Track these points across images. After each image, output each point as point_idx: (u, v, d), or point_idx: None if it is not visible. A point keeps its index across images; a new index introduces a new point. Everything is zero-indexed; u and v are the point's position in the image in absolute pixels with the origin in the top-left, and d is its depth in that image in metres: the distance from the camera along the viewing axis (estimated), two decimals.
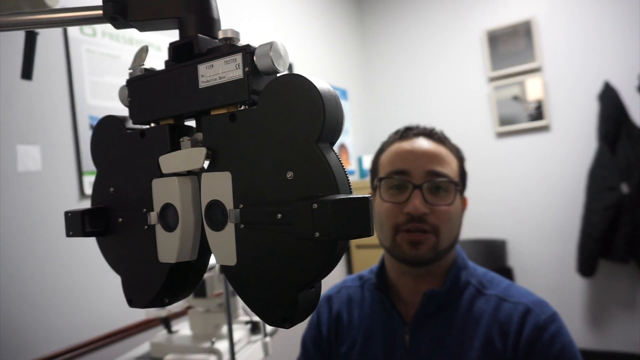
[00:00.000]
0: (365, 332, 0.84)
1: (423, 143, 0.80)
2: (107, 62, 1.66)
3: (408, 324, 0.80)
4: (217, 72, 0.33)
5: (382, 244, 0.83)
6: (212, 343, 1.18)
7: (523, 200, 3.06)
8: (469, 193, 0.87)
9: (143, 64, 0.39)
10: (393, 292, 0.84)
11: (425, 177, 0.77)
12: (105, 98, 1.64)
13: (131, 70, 0.39)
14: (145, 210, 0.37)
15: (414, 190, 0.76)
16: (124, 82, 0.39)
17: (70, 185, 1.53)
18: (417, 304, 0.80)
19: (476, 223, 3.07)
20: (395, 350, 0.79)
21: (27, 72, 0.80)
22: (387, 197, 0.79)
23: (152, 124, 0.38)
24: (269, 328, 1.34)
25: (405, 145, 0.81)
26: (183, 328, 1.37)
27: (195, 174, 0.36)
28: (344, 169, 0.30)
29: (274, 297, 0.31)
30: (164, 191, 0.36)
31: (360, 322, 0.85)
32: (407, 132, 0.84)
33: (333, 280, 0.83)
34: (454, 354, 0.75)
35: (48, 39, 1.49)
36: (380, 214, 0.80)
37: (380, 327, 0.82)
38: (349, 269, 3.03)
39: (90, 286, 1.53)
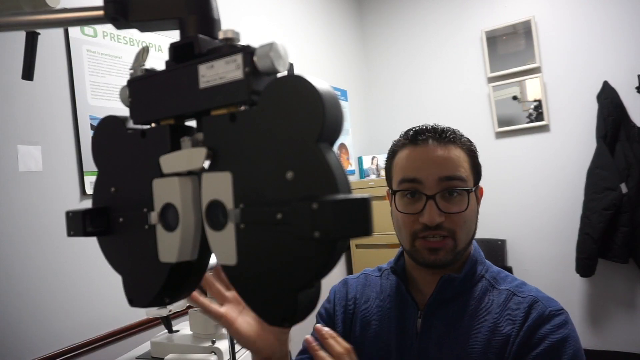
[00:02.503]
0: (380, 314, 0.87)
1: (433, 148, 0.80)
2: (108, 62, 1.66)
3: (421, 309, 0.83)
4: (217, 73, 0.33)
5: (402, 247, 0.86)
6: (213, 343, 1.18)
7: (523, 200, 3.06)
8: None
9: (144, 64, 0.39)
10: (409, 279, 0.88)
11: (437, 186, 0.78)
12: (106, 98, 1.64)
13: (132, 71, 0.39)
14: (145, 210, 0.37)
15: (427, 200, 0.78)
16: (124, 83, 0.39)
17: (71, 185, 1.53)
18: (431, 292, 0.82)
19: None
20: (407, 333, 0.82)
21: (27, 73, 0.79)
22: (402, 206, 0.81)
23: (153, 124, 0.38)
24: None
25: (416, 152, 0.81)
26: (183, 328, 1.37)
27: (195, 174, 0.36)
28: (344, 169, 0.30)
29: (273, 296, 0.31)
30: (164, 191, 0.36)
31: (376, 305, 0.89)
32: (417, 137, 0.82)
33: (333, 280, 0.84)
34: (462, 341, 0.77)
35: (49, 40, 1.49)
36: (398, 221, 0.83)
37: (394, 310, 0.85)
38: (349, 269, 3.03)
39: (90, 286, 1.53)
